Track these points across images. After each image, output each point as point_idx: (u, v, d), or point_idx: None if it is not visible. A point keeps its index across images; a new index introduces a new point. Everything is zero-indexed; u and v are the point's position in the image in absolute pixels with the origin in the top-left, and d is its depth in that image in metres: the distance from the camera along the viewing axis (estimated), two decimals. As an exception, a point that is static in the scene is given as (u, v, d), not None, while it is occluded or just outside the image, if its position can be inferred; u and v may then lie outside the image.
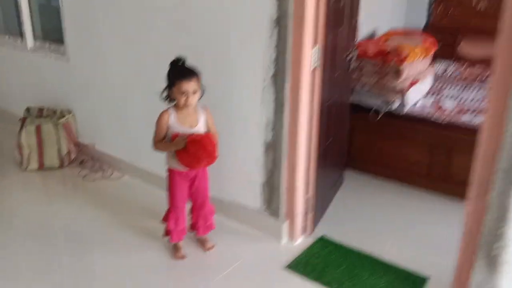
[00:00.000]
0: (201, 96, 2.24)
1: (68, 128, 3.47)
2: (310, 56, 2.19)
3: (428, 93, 3.44)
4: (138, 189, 3.11)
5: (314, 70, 2.25)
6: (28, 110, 3.57)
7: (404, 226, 2.72)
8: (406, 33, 3.76)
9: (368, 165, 3.29)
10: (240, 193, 2.64)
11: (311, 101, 2.30)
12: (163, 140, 2.24)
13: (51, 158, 3.38)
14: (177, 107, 2.22)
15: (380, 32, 3.85)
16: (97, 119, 3.41)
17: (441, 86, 3.62)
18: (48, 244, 2.56)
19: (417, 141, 3.06)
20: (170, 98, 2.23)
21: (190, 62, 2.18)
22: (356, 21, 2.90)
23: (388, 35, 3.63)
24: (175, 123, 2.20)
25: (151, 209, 2.79)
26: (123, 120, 3.18)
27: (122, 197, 3.03)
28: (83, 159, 3.51)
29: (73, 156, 3.51)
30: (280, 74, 2.25)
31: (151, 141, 2.27)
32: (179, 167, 2.25)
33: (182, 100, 2.14)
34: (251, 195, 2.58)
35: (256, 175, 2.53)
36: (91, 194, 3.07)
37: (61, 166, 3.43)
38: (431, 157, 3.02)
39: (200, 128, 2.25)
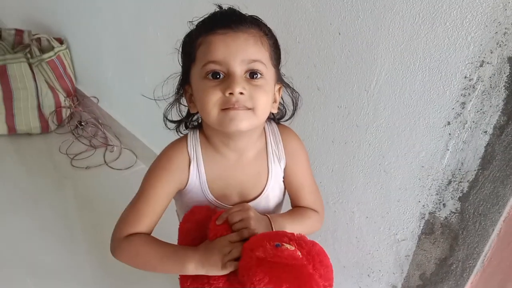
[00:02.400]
0: (283, 113, 0.86)
1: (57, 68, 2.11)
2: None
3: None
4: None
5: None
6: (-2, 32, 2.19)
7: None
8: None
9: None
10: None
11: None
12: (147, 235, 0.79)
13: (28, 119, 2.07)
14: (206, 134, 0.80)
15: None
16: (103, 61, 2.01)
17: None
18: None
19: None
20: (188, 118, 0.83)
21: None
22: None
23: None
24: (203, 186, 0.80)
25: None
26: (140, 72, 1.77)
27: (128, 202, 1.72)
28: (81, 121, 2.19)
29: (65, 114, 2.20)
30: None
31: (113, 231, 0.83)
32: None
33: (213, 97, 0.69)
34: None
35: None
36: (81, 195, 1.79)
37: (45, 130, 2.13)
38: None
39: (270, 199, 0.84)
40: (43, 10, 2.28)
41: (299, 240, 0.70)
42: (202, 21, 0.74)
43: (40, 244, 1.54)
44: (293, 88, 0.83)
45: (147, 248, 0.76)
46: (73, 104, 2.21)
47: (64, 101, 2.17)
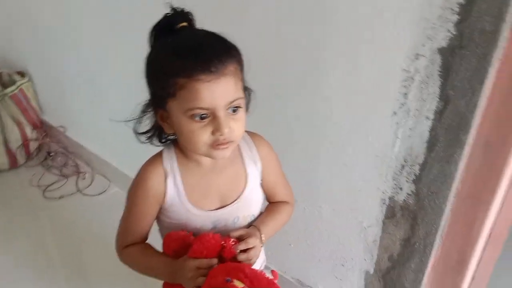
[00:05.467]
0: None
1: (21, 102, 2.12)
2: None
3: None
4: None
5: None
6: (-43, 71, 2.18)
7: None
8: None
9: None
10: (330, 283, 1.33)
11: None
12: (142, 245, 0.89)
13: (-6, 155, 2.07)
14: (181, 147, 0.85)
15: None
16: (66, 90, 2.04)
17: None
18: None
19: None
20: (160, 131, 0.86)
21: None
22: None
23: None
24: (180, 197, 0.84)
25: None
26: (105, 96, 1.81)
27: (107, 231, 1.75)
28: (50, 151, 2.19)
29: (34, 146, 2.20)
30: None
31: (114, 243, 0.91)
32: None
33: (203, 137, 0.75)
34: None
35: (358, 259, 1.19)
36: (57, 225, 1.79)
37: (14, 165, 2.12)
38: None
39: (250, 200, 0.89)
40: (1, 45, 2.28)
41: (254, 279, 0.75)
42: (179, 55, 0.74)
43: (21, 278, 1.54)
44: (247, 87, 0.84)
45: (138, 260, 0.88)
46: (40, 135, 2.21)
47: (31, 133, 2.17)
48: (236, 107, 0.76)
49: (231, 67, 0.75)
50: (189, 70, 0.72)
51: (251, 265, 0.82)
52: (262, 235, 0.87)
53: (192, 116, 0.74)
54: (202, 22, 0.81)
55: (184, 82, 0.73)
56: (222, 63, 0.73)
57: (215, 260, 0.79)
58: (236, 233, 0.82)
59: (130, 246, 0.88)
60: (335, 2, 0.95)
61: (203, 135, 0.75)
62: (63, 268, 1.59)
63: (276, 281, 0.85)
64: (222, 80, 0.73)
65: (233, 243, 0.80)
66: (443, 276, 1.06)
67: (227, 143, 0.76)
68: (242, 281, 0.74)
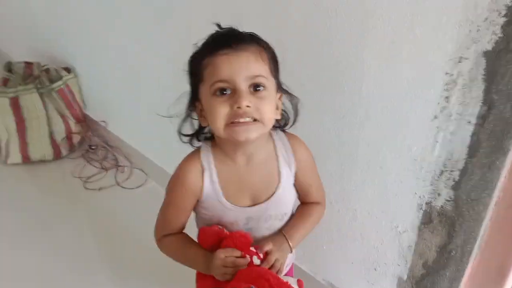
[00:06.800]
0: (286, 119, 0.91)
1: (66, 97, 2.21)
2: None
3: None
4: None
5: None
6: (9, 66, 2.29)
7: None
8: None
9: None
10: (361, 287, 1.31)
11: None
12: (180, 235, 0.93)
13: (40, 146, 2.16)
14: (217, 143, 0.87)
15: None
16: (108, 86, 2.11)
17: None
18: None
19: None
20: (199, 130, 0.89)
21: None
22: None
23: None
24: (216, 192, 0.86)
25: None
26: (145, 92, 1.86)
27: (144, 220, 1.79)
28: (92, 145, 2.28)
29: (76, 139, 2.29)
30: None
31: (153, 232, 0.95)
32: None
33: (222, 111, 0.76)
34: None
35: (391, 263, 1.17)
36: (96, 215, 1.86)
37: (58, 156, 2.22)
38: None
39: (282, 199, 0.90)
40: (49, 42, 2.39)
41: None
42: (205, 43, 0.81)
43: (60, 266, 1.61)
44: (292, 94, 0.89)
45: (175, 249, 0.93)
46: (83, 129, 2.30)
47: (75, 127, 2.26)
48: (259, 85, 0.77)
49: (254, 48, 0.78)
50: (211, 48, 0.77)
51: (279, 273, 0.83)
52: (290, 243, 0.90)
53: (215, 92, 0.76)
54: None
55: (207, 61, 0.77)
56: (244, 41, 0.77)
57: (243, 261, 0.81)
58: (264, 248, 0.84)
59: (168, 236, 0.92)
60: (378, 1, 0.94)
61: (222, 109, 0.75)
62: (100, 258, 1.64)
63: None
64: (243, 55, 0.76)
65: (255, 254, 0.83)
66: (480, 286, 1.03)
67: (248, 122, 0.76)
68: None
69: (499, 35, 0.80)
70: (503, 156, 0.87)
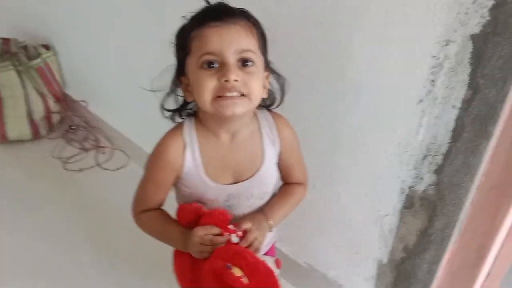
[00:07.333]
0: (273, 99, 0.90)
1: (45, 75, 2.15)
2: None
3: None
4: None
5: None
6: (-15, 42, 2.22)
7: None
8: None
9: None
10: (342, 270, 1.32)
11: None
12: (158, 212, 0.91)
13: (18, 125, 2.10)
14: (201, 119, 0.85)
15: None
16: (89, 65, 2.06)
17: None
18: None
19: None
20: (183, 105, 0.87)
21: None
22: None
23: None
24: (197, 169, 0.84)
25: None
26: (131, 69, 1.82)
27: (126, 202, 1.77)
28: (72, 125, 2.23)
29: (56, 119, 2.24)
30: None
31: (130, 206, 0.93)
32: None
33: (210, 84, 0.74)
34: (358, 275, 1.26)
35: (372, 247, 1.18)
36: (77, 196, 1.82)
37: (36, 136, 2.16)
38: None
39: (265, 178, 0.89)
40: (28, 18, 2.31)
41: (254, 269, 0.75)
42: (194, 15, 0.79)
43: (43, 247, 1.58)
44: (279, 74, 0.88)
45: (153, 225, 0.90)
46: (63, 109, 2.24)
47: (54, 106, 2.20)
48: (248, 59, 0.76)
49: (244, 23, 0.76)
50: (201, 21, 0.75)
51: (257, 251, 0.82)
52: (270, 221, 0.89)
53: (202, 65, 0.75)
54: None
55: (195, 33, 0.76)
56: (235, 15, 0.76)
57: (221, 239, 0.80)
58: (242, 226, 0.83)
59: (147, 211, 0.90)
60: (366, -17, 0.92)
61: (209, 82, 0.74)
62: (83, 238, 1.62)
63: (278, 271, 0.85)
64: (232, 28, 0.74)
65: (233, 232, 0.81)
66: (458, 269, 1.04)
67: (235, 96, 0.74)
68: (242, 269, 0.75)
69: (487, 18, 0.79)
70: (486, 141, 0.87)
